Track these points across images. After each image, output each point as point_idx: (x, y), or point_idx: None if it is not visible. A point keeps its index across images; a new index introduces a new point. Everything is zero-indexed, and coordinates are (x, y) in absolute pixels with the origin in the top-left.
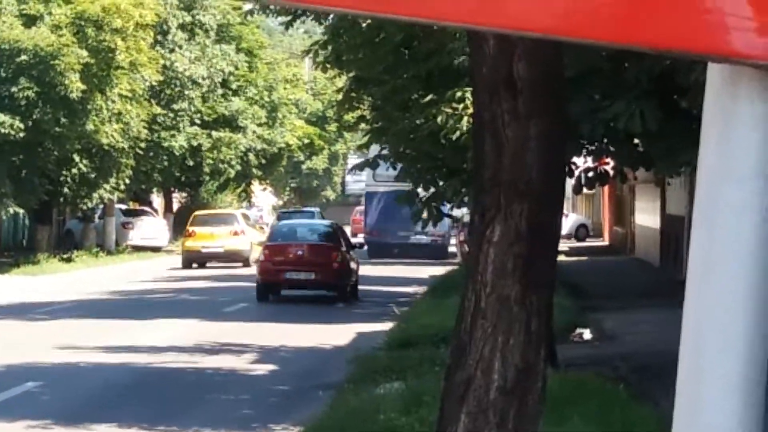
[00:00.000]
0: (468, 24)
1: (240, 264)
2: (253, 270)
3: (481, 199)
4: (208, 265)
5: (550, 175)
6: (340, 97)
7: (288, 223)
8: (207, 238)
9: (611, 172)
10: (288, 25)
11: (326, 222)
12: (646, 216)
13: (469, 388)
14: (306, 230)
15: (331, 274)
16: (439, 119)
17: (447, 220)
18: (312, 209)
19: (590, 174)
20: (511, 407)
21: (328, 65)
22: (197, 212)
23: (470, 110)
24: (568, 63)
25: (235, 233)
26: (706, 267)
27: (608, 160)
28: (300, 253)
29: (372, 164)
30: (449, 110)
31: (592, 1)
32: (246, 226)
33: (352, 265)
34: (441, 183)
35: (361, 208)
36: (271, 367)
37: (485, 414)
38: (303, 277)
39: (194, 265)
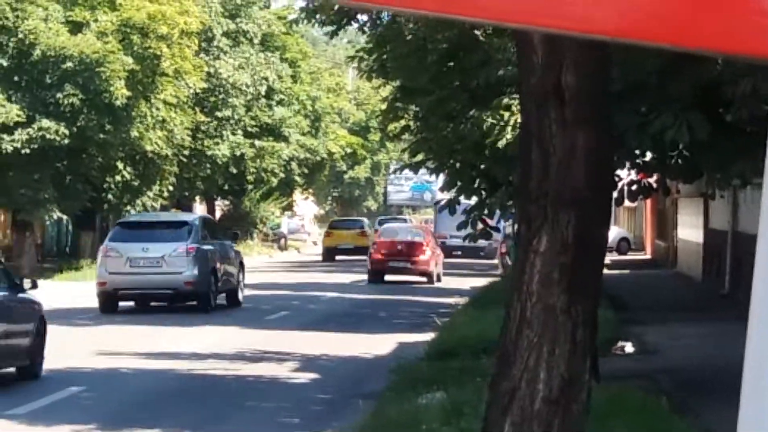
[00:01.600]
0: (528, 25)
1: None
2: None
3: (527, 208)
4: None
5: (597, 185)
6: (384, 106)
7: (390, 225)
8: (340, 237)
9: (654, 185)
10: (333, 34)
11: (416, 224)
12: (689, 230)
13: (513, 397)
14: (404, 230)
15: (422, 264)
16: (483, 127)
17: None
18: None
19: (633, 187)
20: (556, 417)
21: (373, 74)
22: (333, 219)
23: (515, 118)
24: (614, 77)
25: (362, 233)
26: None
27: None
28: (400, 247)
29: (414, 168)
30: (494, 120)
31: (653, 3)
32: (368, 228)
33: (438, 257)
34: (485, 195)
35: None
36: (312, 375)
37: (530, 424)
38: (402, 265)
39: (336, 258)
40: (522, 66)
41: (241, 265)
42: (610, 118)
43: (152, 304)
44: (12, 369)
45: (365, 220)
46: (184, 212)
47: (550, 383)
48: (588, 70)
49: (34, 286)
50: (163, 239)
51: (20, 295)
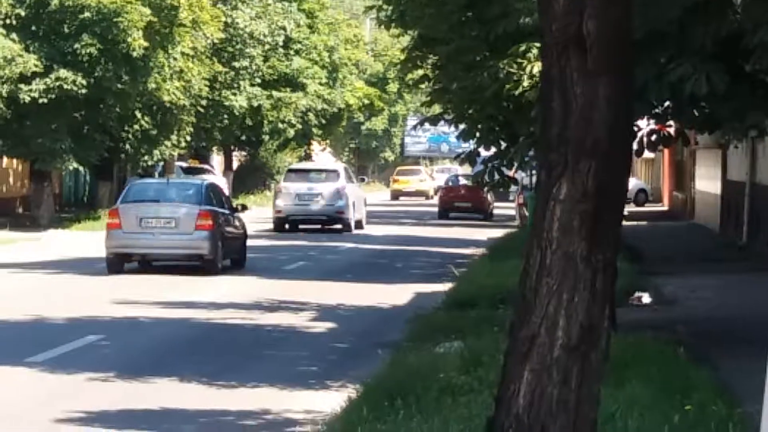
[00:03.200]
0: None
1: (424, 198)
2: (432, 202)
3: (548, 156)
4: (401, 199)
5: (617, 134)
6: (402, 56)
7: (452, 175)
8: (405, 183)
9: (674, 135)
10: None
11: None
12: (707, 181)
13: (533, 345)
14: (463, 180)
15: (480, 204)
16: (501, 76)
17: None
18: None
19: (653, 137)
20: (575, 365)
21: (392, 23)
22: (399, 167)
23: (533, 65)
24: (635, 26)
25: (422, 180)
26: None
27: (670, 123)
28: (462, 192)
29: (433, 121)
30: (512, 68)
31: None
32: (427, 176)
33: (490, 199)
34: (504, 145)
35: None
36: (329, 324)
37: (549, 371)
38: (464, 205)
39: (400, 198)
40: (543, 13)
41: None
42: (632, 67)
43: None
44: (227, 261)
45: (423, 168)
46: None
47: (569, 331)
48: (610, 17)
49: (244, 208)
50: (322, 181)
51: (235, 214)
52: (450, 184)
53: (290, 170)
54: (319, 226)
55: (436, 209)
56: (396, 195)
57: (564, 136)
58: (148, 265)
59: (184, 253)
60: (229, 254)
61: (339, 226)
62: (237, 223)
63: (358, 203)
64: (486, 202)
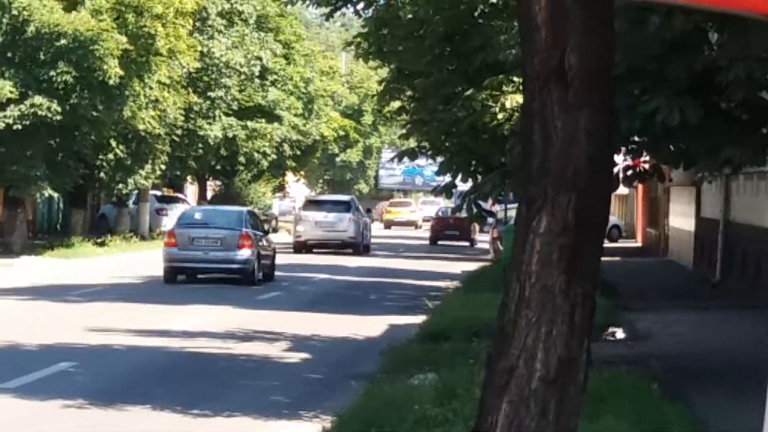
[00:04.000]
0: None
1: (413, 227)
2: (420, 232)
3: (528, 189)
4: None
5: (597, 167)
6: (380, 88)
7: (443, 206)
8: (397, 213)
9: (650, 171)
10: (328, 16)
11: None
12: (681, 218)
13: (511, 377)
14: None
15: (466, 233)
16: (476, 108)
17: None
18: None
19: (629, 172)
20: (553, 397)
21: (370, 56)
22: (391, 200)
23: (508, 98)
24: (615, 61)
25: (412, 211)
26: None
27: (645, 159)
28: (451, 222)
29: (411, 155)
30: (487, 101)
31: None
32: (416, 207)
33: (475, 229)
34: (480, 177)
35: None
36: (303, 355)
37: (527, 404)
38: (452, 233)
39: (392, 227)
40: (525, 46)
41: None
42: (612, 101)
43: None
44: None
45: (413, 202)
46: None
47: (547, 363)
48: (592, 51)
49: (275, 230)
50: (336, 211)
51: (267, 236)
52: (440, 214)
53: (309, 201)
54: (331, 250)
55: (421, 240)
56: (388, 224)
57: (544, 168)
58: (194, 278)
59: (228, 268)
60: (262, 269)
61: (350, 250)
62: (268, 243)
63: (366, 230)
64: (471, 231)
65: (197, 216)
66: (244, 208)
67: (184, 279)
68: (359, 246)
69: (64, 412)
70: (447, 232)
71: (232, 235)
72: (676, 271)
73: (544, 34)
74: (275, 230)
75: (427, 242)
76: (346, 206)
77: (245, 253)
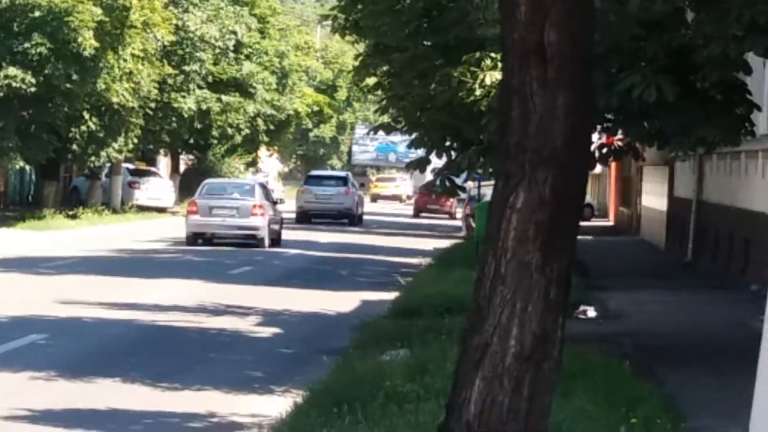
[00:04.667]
0: None
1: (398, 201)
2: (403, 206)
3: (505, 165)
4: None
5: (575, 144)
6: (357, 63)
7: (427, 181)
8: (383, 187)
9: (624, 149)
10: None
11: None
12: (653, 198)
13: (485, 353)
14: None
15: (447, 207)
16: (454, 84)
17: None
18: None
19: (603, 150)
20: (527, 374)
21: (347, 31)
22: (378, 176)
23: (486, 74)
24: (595, 40)
25: (396, 186)
26: None
27: (619, 137)
28: (433, 197)
29: (387, 129)
30: (465, 76)
31: None
32: (403, 182)
33: (454, 203)
34: (455, 153)
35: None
36: (275, 330)
37: (500, 380)
38: (434, 207)
39: (378, 201)
40: (505, 22)
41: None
42: (591, 78)
43: None
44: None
45: (399, 176)
46: (331, 170)
47: (522, 340)
48: (571, 29)
49: (281, 202)
50: (334, 185)
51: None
52: (423, 189)
53: (310, 176)
54: (330, 220)
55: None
56: (375, 198)
57: (522, 144)
58: (209, 242)
59: (243, 233)
60: (271, 235)
61: (346, 220)
62: (276, 212)
63: (360, 203)
64: (451, 205)
65: (216, 187)
66: (257, 181)
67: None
68: (354, 217)
69: (33, 384)
70: (429, 206)
71: (246, 205)
72: (648, 250)
73: (523, 11)
74: None
75: (410, 215)
76: (343, 181)
77: (257, 220)
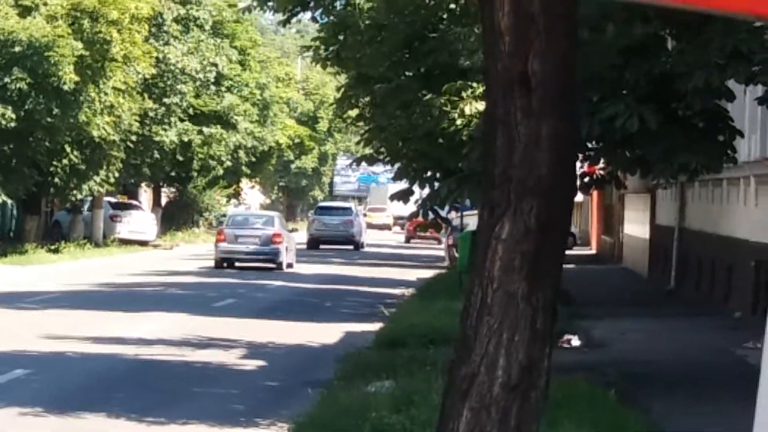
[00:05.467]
0: None
1: (388, 229)
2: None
3: (490, 195)
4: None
5: (560, 173)
6: (338, 95)
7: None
8: (375, 217)
9: (607, 178)
10: (285, 23)
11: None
12: (635, 226)
13: (472, 383)
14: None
15: (436, 233)
16: (435, 114)
17: None
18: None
19: (586, 179)
20: (514, 404)
21: (328, 62)
22: (369, 207)
23: (467, 104)
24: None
25: (387, 216)
26: None
27: (601, 165)
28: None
29: (369, 160)
30: (446, 107)
31: None
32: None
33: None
34: (437, 184)
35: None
36: (259, 362)
37: (488, 410)
38: (424, 234)
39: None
40: (488, 53)
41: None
42: (575, 107)
43: None
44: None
45: (388, 206)
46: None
47: (509, 369)
48: (555, 58)
49: (295, 231)
50: (341, 215)
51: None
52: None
53: (320, 207)
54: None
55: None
56: (367, 227)
57: (507, 174)
58: (231, 266)
59: (264, 258)
60: (288, 259)
61: (350, 246)
62: (290, 240)
63: (363, 231)
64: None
65: (240, 219)
66: (275, 213)
67: (152, 288)
68: (358, 243)
69: (20, 420)
70: (420, 233)
71: (267, 234)
72: (631, 278)
73: (507, 41)
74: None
75: (400, 242)
76: (348, 211)
77: (277, 247)
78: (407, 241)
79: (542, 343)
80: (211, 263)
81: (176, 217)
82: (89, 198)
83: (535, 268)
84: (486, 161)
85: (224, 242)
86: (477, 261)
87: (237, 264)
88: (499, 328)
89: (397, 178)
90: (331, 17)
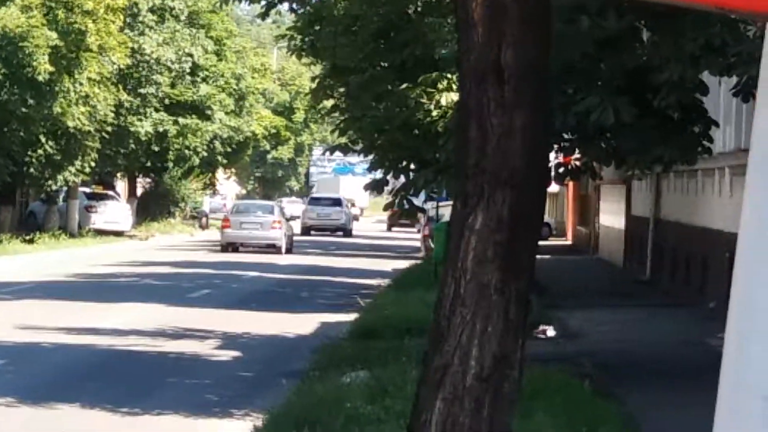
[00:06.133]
0: None
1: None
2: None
3: (463, 186)
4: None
5: (533, 164)
6: (314, 85)
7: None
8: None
9: (582, 168)
10: (263, 15)
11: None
12: (611, 216)
13: (445, 374)
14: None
15: (416, 222)
16: (410, 105)
17: None
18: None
19: (561, 169)
20: (487, 395)
21: (303, 53)
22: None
23: (442, 95)
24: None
25: (356, 207)
26: (755, 274)
27: (576, 156)
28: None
29: (344, 149)
30: (422, 98)
31: None
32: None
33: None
34: (412, 175)
35: None
36: (234, 353)
37: (461, 401)
38: (404, 222)
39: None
40: (461, 43)
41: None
42: (548, 98)
43: None
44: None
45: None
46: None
47: (482, 360)
48: (528, 49)
49: (294, 218)
50: (331, 205)
51: (289, 222)
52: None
53: (312, 198)
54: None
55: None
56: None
57: (480, 166)
58: (235, 250)
59: (265, 243)
60: (287, 244)
61: (341, 233)
62: (289, 227)
63: (352, 220)
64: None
65: (243, 207)
66: (274, 203)
67: (122, 278)
68: (347, 230)
69: None
70: (401, 221)
71: (268, 220)
72: (606, 269)
73: (480, 31)
74: (204, 227)
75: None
76: (338, 202)
77: (277, 233)
78: (389, 228)
79: (515, 334)
80: (186, 254)
81: (152, 208)
82: (64, 188)
83: (508, 259)
84: (459, 152)
85: (230, 228)
86: (450, 252)
87: (240, 249)
88: (472, 319)
89: (372, 168)
90: (307, 7)
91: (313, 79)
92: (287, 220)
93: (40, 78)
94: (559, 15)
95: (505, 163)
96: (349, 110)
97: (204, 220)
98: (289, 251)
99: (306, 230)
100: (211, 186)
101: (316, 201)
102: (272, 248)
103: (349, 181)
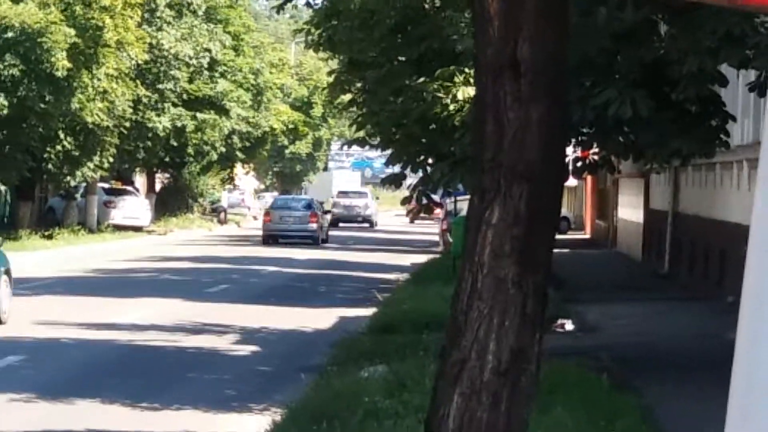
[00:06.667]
0: None
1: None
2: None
3: (480, 180)
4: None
5: (550, 159)
6: (331, 80)
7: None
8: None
9: (600, 162)
10: (279, 8)
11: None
12: (629, 210)
13: (463, 369)
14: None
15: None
16: (427, 99)
17: None
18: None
19: (578, 163)
20: (505, 389)
21: (321, 47)
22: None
23: (459, 89)
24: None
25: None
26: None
27: (594, 150)
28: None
29: (361, 143)
30: (439, 92)
31: None
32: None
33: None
34: (430, 168)
35: None
36: (253, 348)
37: (478, 395)
38: (425, 215)
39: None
40: (478, 38)
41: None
42: (565, 92)
43: None
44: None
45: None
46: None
47: (499, 354)
48: (545, 43)
49: (328, 212)
50: (358, 198)
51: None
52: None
53: (339, 192)
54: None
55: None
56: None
57: (497, 160)
58: (275, 242)
59: (303, 235)
60: (322, 235)
61: (367, 225)
62: (325, 219)
63: (377, 212)
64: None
65: (282, 202)
66: (311, 197)
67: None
68: (372, 221)
69: (12, 406)
70: (423, 214)
71: (306, 214)
72: (625, 262)
73: (496, 26)
74: (223, 222)
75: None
76: (364, 195)
77: (313, 225)
78: (411, 221)
79: (532, 328)
80: (205, 249)
81: (170, 203)
82: (83, 184)
83: (524, 253)
84: (476, 146)
85: (270, 222)
86: (467, 246)
87: (280, 240)
88: (489, 313)
89: (389, 163)
90: (324, 2)
91: (330, 73)
92: (324, 213)
93: (59, 74)
94: (576, 6)
95: (521, 157)
96: (366, 104)
97: (222, 215)
98: (324, 241)
99: (335, 222)
100: (230, 181)
101: (343, 194)
102: (309, 240)
103: (344, 175)
